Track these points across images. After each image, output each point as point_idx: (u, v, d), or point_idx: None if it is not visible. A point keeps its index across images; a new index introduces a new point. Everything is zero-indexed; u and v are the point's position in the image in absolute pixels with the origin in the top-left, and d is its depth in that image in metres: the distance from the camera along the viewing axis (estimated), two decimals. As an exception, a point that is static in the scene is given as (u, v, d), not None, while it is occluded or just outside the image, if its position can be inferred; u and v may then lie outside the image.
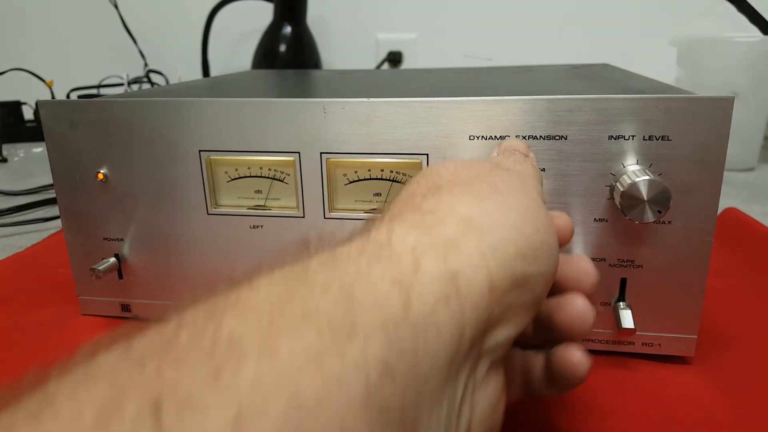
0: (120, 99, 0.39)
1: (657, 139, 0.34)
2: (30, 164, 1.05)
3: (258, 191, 0.40)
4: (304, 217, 0.40)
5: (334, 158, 0.38)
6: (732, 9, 0.79)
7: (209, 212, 0.41)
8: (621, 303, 0.37)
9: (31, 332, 0.43)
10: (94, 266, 0.41)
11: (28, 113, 1.27)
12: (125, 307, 0.44)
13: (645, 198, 0.32)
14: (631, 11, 1.20)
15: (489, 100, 0.35)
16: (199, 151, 0.39)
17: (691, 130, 0.33)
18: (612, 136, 0.34)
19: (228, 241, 0.41)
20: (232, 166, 0.40)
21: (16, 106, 1.23)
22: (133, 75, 1.29)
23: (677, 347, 0.38)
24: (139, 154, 0.40)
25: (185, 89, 0.48)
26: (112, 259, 0.42)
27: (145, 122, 0.39)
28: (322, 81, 0.55)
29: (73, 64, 1.46)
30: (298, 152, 0.38)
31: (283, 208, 0.40)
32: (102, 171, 0.41)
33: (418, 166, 0.37)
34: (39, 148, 1.17)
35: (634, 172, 0.33)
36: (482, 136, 0.36)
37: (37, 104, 1.19)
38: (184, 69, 1.30)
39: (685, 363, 0.38)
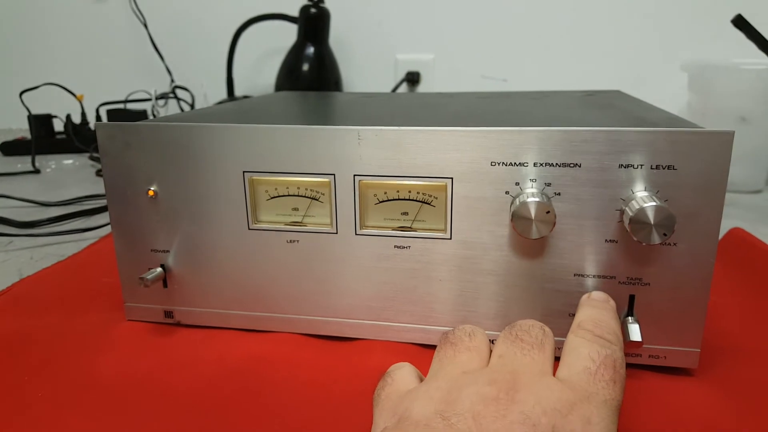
0: (171, 123, 0.43)
1: (664, 168, 0.37)
2: (62, 175, 1.09)
3: (295, 209, 0.44)
4: (337, 233, 0.43)
5: (366, 180, 0.42)
6: (743, 36, 0.82)
7: (250, 227, 0.44)
8: (629, 318, 0.40)
9: (79, 335, 0.46)
10: (143, 275, 0.45)
11: (58, 126, 1.32)
12: (168, 314, 0.48)
13: (652, 222, 0.35)
14: (643, 36, 1.23)
15: (510, 131, 0.38)
16: (243, 171, 0.43)
17: (695, 160, 0.36)
18: (622, 164, 0.37)
19: (266, 254, 0.45)
20: (272, 185, 0.43)
21: (47, 119, 1.28)
22: (160, 90, 1.33)
23: (682, 359, 0.40)
24: (187, 174, 0.44)
25: (224, 113, 0.51)
26: (159, 269, 0.46)
27: (194, 144, 0.43)
28: (350, 105, 0.59)
29: (103, 79, 1.51)
30: (334, 174, 0.42)
31: (318, 225, 0.43)
32: (152, 188, 0.45)
33: (443, 189, 0.41)
34: (69, 160, 1.22)
35: (642, 198, 0.36)
36: (503, 163, 0.39)
37: (68, 117, 1.24)
38: (209, 85, 1.35)
39: (688, 375, 0.41)
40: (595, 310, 0.36)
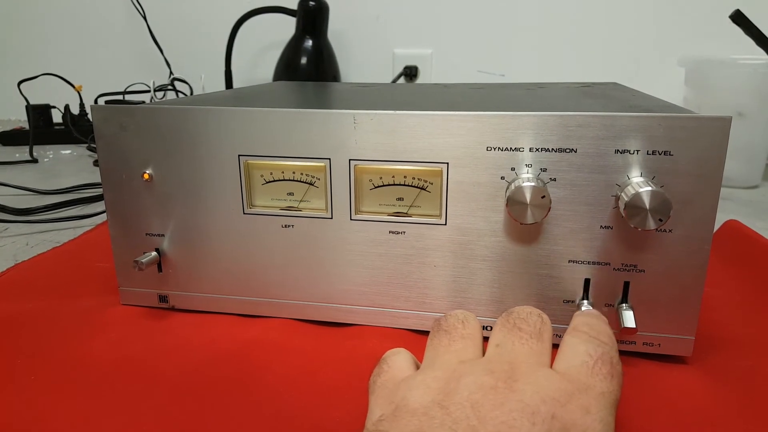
0: (167, 106, 0.43)
1: (660, 154, 0.37)
2: (59, 165, 1.09)
3: (290, 193, 0.43)
4: (332, 218, 0.43)
5: (361, 165, 0.41)
6: (739, 32, 0.82)
7: (245, 212, 0.44)
8: (624, 304, 0.40)
9: (73, 319, 0.46)
10: (137, 258, 0.45)
11: (56, 116, 1.31)
12: (162, 298, 0.48)
13: (647, 207, 0.35)
14: (641, 31, 1.23)
15: (505, 115, 0.38)
16: (239, 155, 0.43)
17: (691, 146, 0.36)
18: (618, 150, 0.37)
19: (261, 238, 0.44)
20: (268, 169, 0.43)
21: (45, 110, 1.28)
22: (158, 83, 1.33)
23: (676, 347, 0.40)
24: (183, 157, 0.44)
25: (222, 99, 0.51)
26: (153, 253, 0.46)
27: (189, 127, 0.43)
28: (347, 93, 0.59)
29: (102, 70, 1.51)
30: (329, 158, 0.42)
31: (313, 210, 0.43)
32: (147, 171, 0.44)
33: (438, 174, 0.40)
34: (67, 150, 1.21)
35: (638, 183, 0.36)
36: (498, 148, 0.39)
37: (66, 108, 1.24)
38: (207, 78, 1.35)
39: (683, 362, 0.41)
40: (589, 317, 0.35)
